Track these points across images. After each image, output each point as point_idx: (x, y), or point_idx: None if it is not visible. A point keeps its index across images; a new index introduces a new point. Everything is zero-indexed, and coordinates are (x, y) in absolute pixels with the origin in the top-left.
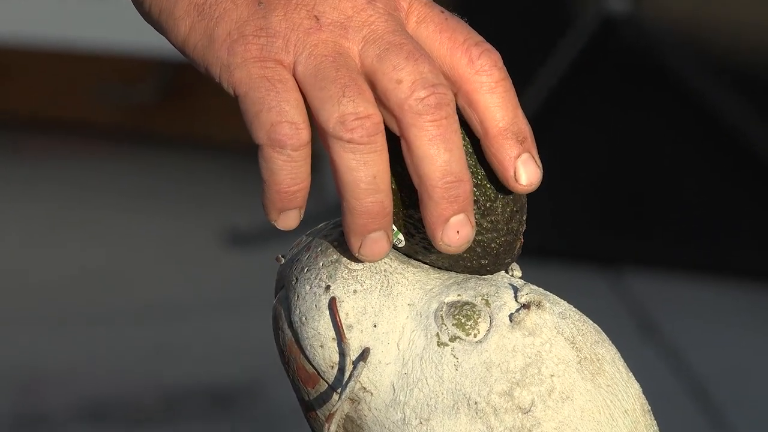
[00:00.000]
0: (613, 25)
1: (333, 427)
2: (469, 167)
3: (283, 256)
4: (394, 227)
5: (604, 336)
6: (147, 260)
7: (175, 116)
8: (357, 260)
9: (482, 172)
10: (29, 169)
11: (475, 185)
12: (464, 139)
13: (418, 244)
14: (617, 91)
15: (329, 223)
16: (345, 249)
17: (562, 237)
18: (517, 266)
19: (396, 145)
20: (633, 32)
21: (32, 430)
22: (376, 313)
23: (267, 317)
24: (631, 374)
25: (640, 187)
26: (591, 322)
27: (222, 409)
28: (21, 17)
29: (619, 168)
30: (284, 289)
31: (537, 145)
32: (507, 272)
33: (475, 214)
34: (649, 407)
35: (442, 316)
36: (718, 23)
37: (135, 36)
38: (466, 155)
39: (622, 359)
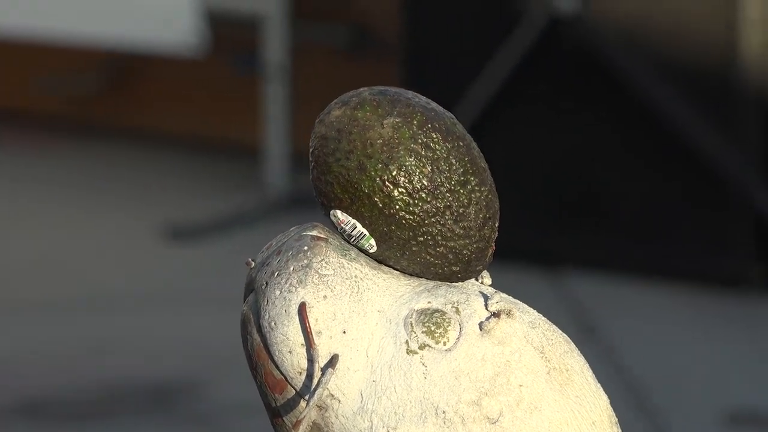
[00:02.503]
0: (560, 24)
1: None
2: (443, 172)
3: (253, 260)
4: (366, 232)
5: (573, 346)
6: (87, 253)
7: (118, 108)
8: (328, 265)
9: (455, 177)
10: None
11: (449, 191)
12: (439, 144)
13: (389, 249)
14: (563, 90)
15: (300, 227)
16: (316, 254)
17: (503, 237)
18: (487, 273)
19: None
20: (580, 31)
21: None
22: (346, 319)
23: (208, 312)
24: (599, 385)
25: (583, 188)
26: (560, 331)
27: (162, 405)
28: None
29: (563, 169)
30: (254, 293)
31: (482, 144)
32: (477, 279)
33: (448, 219)
34: (617, 419)
35: (411, 324)
36: (663, 23)
37: (79, 26)
38: (440, 160)
39: (590, 370)
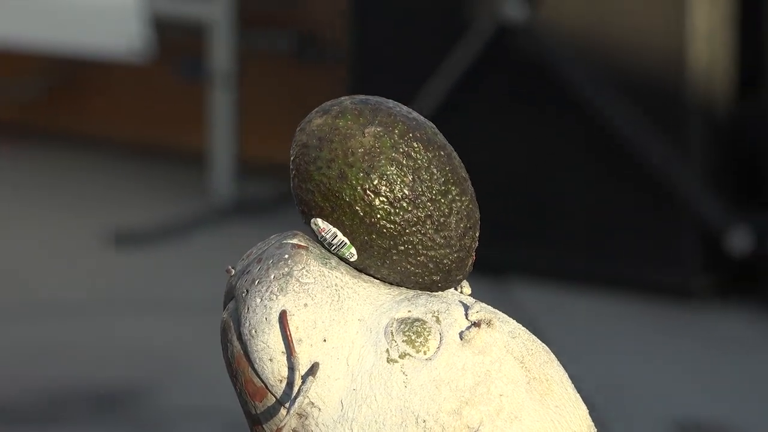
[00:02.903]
0: (508, 32)
1: None
2: (424, 182)
3: (233, 267)
4: (346, 241)
5: (553, 356)
6: (31, 258)
7: (62, 114)
8: (309, 273)
9: (436, 186)
10: None
11: (430, 200)
12: (420, 154)
13: (370, 258)
14: (511, 100)
15: (280, 235)
16: (297, 262)
17: None
18: (467, 283)
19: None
20: (528, 40)
21: None
22: (327, 327)
23: (152, 318)
24: (578, 396)
25: (529, 197)
26: (540, 341)
27: (106, 411)
28: None
29: (510, 178)
30: (234, 300)
31: None
32: (457, 289)
33: (428, 229)
34: (596, 429)
35: (392, 332)
36: (611, 33)
37: (23, 31)
38: (422, 170)
39: (569, 380)
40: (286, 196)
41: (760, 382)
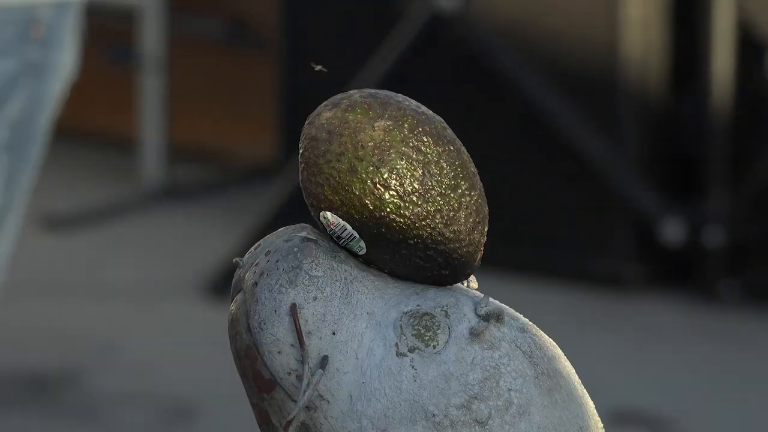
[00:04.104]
0: (442, 21)
1: None
2: (434, 176)
3: (240, 259)
4: (356, 234)
5: (560, 351)
6: None
7: None
8: (318, 267)
9: (446, 181)
10: None
11: (439, 194)
12: (430, 148)
13: (379, 252)
14: (445, 90)
15: (288, 228)
16: (306, 255)
17: None
18: (474, 277)
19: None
20: (461, 29)
21: None
22: (336, 320)
23: (84, 302)
24: (585, 391)
25: None
26: (547, 337)
27: (38, 395)
28: None
29: None
30: (242, 292)
31: None
32: (463, 283)
33: (438, 223)
34: (602, 425)
35: (401, 326)
36: (544, 22)
37: None
38: (431, 164)
39: (576, 375)
40: (216, 183)
41: (691, 371)
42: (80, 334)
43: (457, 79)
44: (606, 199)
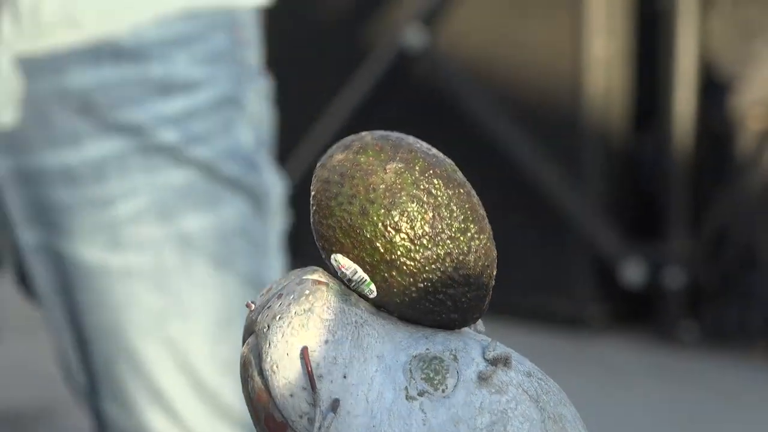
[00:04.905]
0: (408, 58)
1: None
2: (444, 219)
3: (253, 302)
4: (366, 278)
5: (565, 396)
6: None
7: None
8: (329, 310)
9: (456, 224)
10: None
11: (449, 238)
12: (440, 191)
13: (389, 295)
14: (411, 125)
15: (300, 270)
16: (317, 298)
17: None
18: (481, 321)
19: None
20: (427, 66)
21: None
22: (347, 364)
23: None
24: (582, 426)
25: None
26: (553, 381)
27: None
28: None
29: None
30: (254, 335)
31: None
32: (471, 327)
33: (448, 267)
34: None
35: (410, 370)
36: (510, 60)
37: None
38: (442, 207)
39: (580, 419)
40: None
41: (651, 411)
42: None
43: (423, 115)
44: (567, 239)
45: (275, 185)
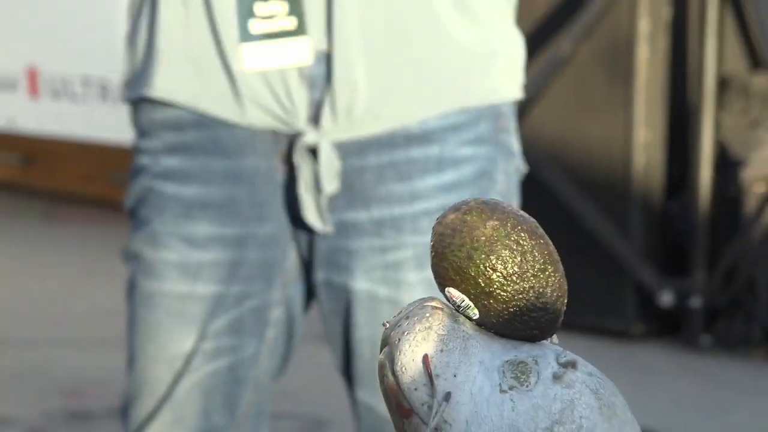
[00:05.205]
0: None
1: None
2: (528, 262)
3: (387, 322)
4: (471, 304)
5: (617, 390)
6: None
7: None
8: (443, 327)
9: (537, 265)
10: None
11: (533, 275)
12: (526, 241)
13: (487, 317)
14: None
15: (423, 299)
16: (435, 319)
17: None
18: (555, 336)
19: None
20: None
21: None
22: (456, 366)
23: None
24: (634, 418)
25: None
26: (608, 379)
27: None
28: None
29: None
30: (388, 346)
31: None
32: (548, 339)
33: (531, 297)
34: None
35: (503, 371)
36: (576, 144)
37: None
38: (527, 253)
39: (628, 406)
40: None
41: (682, 400)
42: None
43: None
44: (618, 275)
45: None
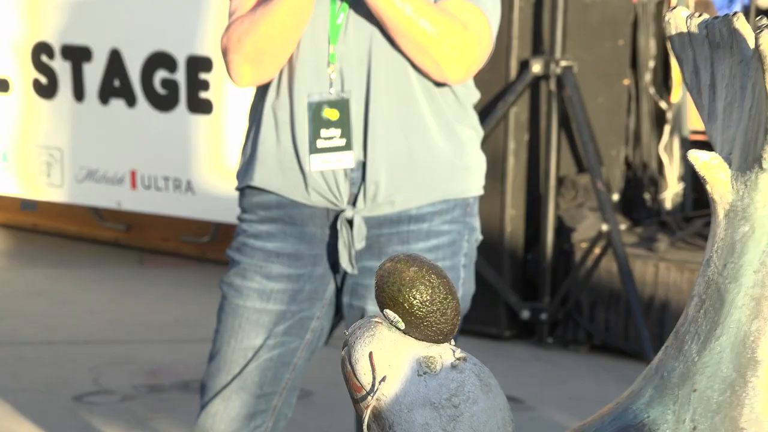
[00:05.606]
0: None
1: (368, 413)
2: (437, 294)
3: (346, 331)
4: (400, 320)
5: (492, 374)
6: None
7: None
8: (383, 335)
9: (441, 296)
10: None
11: (439, 301)
12: (435, 281)
13: (410, 328)
14: None
15: (369, 316)
16: (377, 329)
17: None
18: (453, 340)
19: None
20: None
21: None
22: (390, 359)
23: None
24: (503, 392)
25: None
26: (486, 367)
27: None
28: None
29: None
30: (347, 346)
31: None
32: (450, 342)
33: (439, 316)
34: (510, 411)
35: (420, 362)
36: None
37: None
38: (435, 288)
39: (499, 385)
40: None
41: (534, 378)
42: None
43: None
44: (495, 298)
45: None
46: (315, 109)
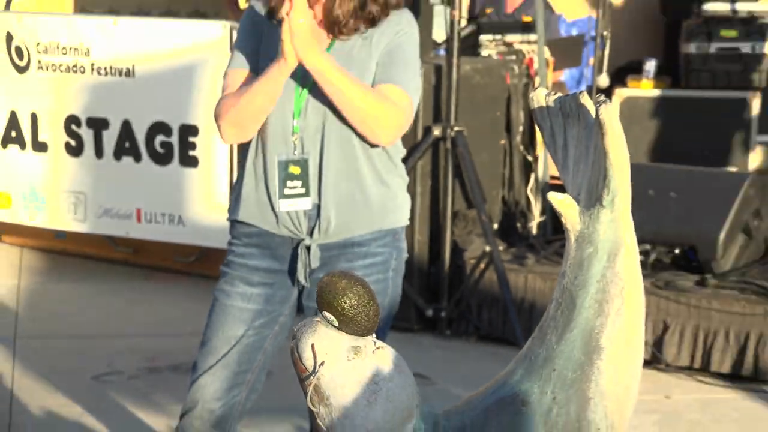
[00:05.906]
0: None
1: (310, 389)
2: (362, 302)
3: (294, 327)
4: (335, 319)
5: (403, 359)
6: None
7: None
8: (322, 330)
9: (365, 300)
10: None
11: (364, 306)
12: (361, 290)
13: (342, 325)
14: None
15: (312, 316)
16: (318, 326)
17: None
18: (373, 334)
19: None
20: None
21: None
22: (328, 349)
23: None
24: (411, 372)
25: None
26: (399, 354)
27: None
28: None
29: None
30: (295, 338)
31: None
32: (372, 335)
33: (363, 316)
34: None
35: (350, 350)
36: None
37: None
38: (361, 296)
39: (409, 368)
40: None
41: (436, 361)
42: None
43: None
44: (407, 300)
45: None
46: (283, 166)
